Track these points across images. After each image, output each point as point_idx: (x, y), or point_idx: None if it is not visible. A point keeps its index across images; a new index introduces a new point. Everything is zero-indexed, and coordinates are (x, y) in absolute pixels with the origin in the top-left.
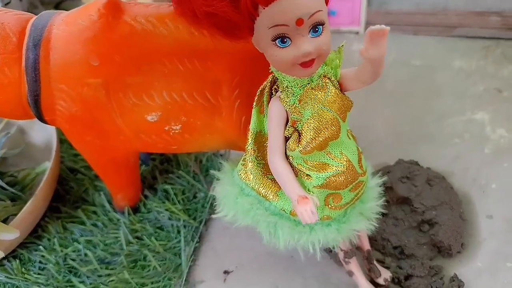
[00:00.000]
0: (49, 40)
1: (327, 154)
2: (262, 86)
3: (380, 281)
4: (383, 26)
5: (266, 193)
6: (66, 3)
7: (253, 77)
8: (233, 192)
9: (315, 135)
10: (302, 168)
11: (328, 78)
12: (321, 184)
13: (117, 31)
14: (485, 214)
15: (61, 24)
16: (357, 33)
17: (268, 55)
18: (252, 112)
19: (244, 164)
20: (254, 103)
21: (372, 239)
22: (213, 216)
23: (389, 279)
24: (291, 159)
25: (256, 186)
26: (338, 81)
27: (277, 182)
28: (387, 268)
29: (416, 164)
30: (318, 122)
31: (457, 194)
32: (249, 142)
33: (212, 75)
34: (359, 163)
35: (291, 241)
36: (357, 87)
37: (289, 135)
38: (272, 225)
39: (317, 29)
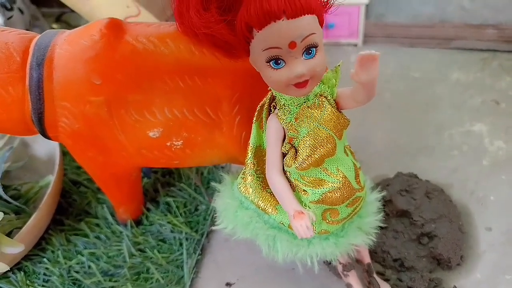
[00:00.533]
0: (52, 59)
1: (323, 170)
2: (261, 102)
3: None
4: (373, 51)
5: (265, 207)
6: (67, 15)
7: (253, 93)
8: (233, 205)
9: (310, 153)
10: (299, 183)
11: (324, 96)
12: (317, 200)
13: (119, 50)
14: (484, 227)
15: (63, 44)
16: (355, 45)
17: (263, 76)
18: (252, 127)
19: (243, 177)
20: (254, 118)
21: (372, 252)
22: (213, 228)
23: None
24: (288, 174)
25: (256, 200)
26: (334, 100)
27: (275, 197)
28: (387, 280)
29: (415, 177)
30: (314, 140)
31: (456, 206)
32: (249, 156)
33: (213, 91)
34: (356, 179)
35: (290, 254)
36: (353, 106)
37: (286, 151)
38: (271, 238)
39: (310, 51)
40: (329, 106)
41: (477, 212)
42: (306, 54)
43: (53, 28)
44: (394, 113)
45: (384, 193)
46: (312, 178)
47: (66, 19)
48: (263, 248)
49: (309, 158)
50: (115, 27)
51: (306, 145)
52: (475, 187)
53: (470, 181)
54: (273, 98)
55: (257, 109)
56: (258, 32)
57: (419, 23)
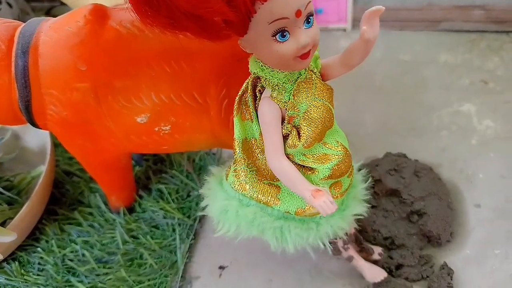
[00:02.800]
0: (37, 46)
1: (324, 145)
2: (239, 94)
3: (376, 256)
4: (379, 6)
5: (266, 200)
6: (57, 9)
7: (241, 77)
8: (232, 205)
9: (314, 127)
10: (306, 163)
11: (311, 70)
12: (328, 175)
13: (103, 36)
14: (473, 204)
15: (48, 31)
16: (344, 30)
17: (266, 52)
18: (234, 122)
19: (236, 175)
20: (234, 112)
21: (363, 231)
22: (215, 235)
23: (382, 253)
24: (291, 157)
25: (255, 195)
26: (319, 72)
27: (273, 186)
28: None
29: (404, 157)
30: (315, 113)
31: (445, 184)
32: (237, 152)
33: (199, 76)
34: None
35: (300, 241)
36: (340, 74)
37: (288, 133)
38: (278, 230)
39: (309, 20)
40: (317, 79)
41: (466, 190)
42: (306, 23)
43: None
44: (384, 95)
45: (361, 162)
46: (317, 155)
47: (56, 12)
48: (271, 242)
49: (313, 133)
50: (99, 13)
51: (308, 121)
52: (464, 165)
53: (459, 160)
54: (255, 85)
55: (236, 102)
56: (263, 4)
57: (407, 6)
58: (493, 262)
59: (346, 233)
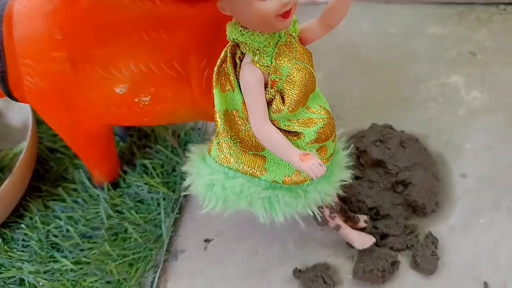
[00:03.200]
0: (11, 15)
1: (308, 110)
2: (217, 64)
3: (362, 224)
4: None
5: (253, 170)
6: None
7: (221, 46)
8: (218, 179)
9: (298, 90)
10: (291, 127)
11: (290, 34)
12: (314, 139)
13: (79, 3)
14: (459, 174)
15: None
16: None
17: (247, 12)
18: (214, 93)
19: (219, 148)
20: (214, 83)
21: (347, 201)
22: (201, 213)
23: (368, 220)
24: (276, 123)
25: (241, 166)
26: (297, 36)
27: (259, 156)
28: (363, 229)
29: (389, 128)
30: (298, 76)
31: (431, 155)
32: (220, 124)
33: (179, 45)
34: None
35: (289, 210)
36: (319, 36)
37: (272, 98)
38: (266, 201)
39: None
40: (296, 42)
41: (452, 160)
42: None
43: None
44: (371, 68)
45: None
46: (302, 119)
47: None
48: (260, 213)
49: (297, 96)
50: None
51: (292, 84)
52: (451, 136)
53: (446, 131)
54: (234, 53)
55: (214, 73)
56: None
57: None
58: (478, 231)
59: (328, 206)
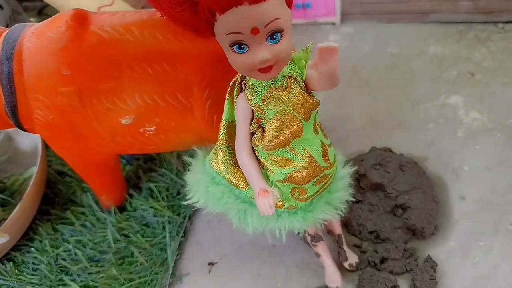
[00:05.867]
0: (21, 52)
1: (290, 150)
2: (234, 79)
3: (345, 265)
4: (331, 43)
5: (236, 182)
6: (49, 8)
7: (223, 76)
8: (205, 180)
9: (277, 134)
10: (266, 162)
11: (293, 78)
12: (283, 179)
13: (85, 41)
14: (458, 196)
15: (31, 37)
16: (333, 24)
17: (228, 59)
18: (225, 103)
19: (215, 153)
20: (227, 94)
21: (348, 225)
22: (183, 202)
23: (354, 265)
24: (257, 153)
25: (227, 175)
26: (304, 81)
27: None
28: (364, 252)
29: (389, 151)
30: (280, 122)
31: (429, 178)
32: (221, 132)
33: (182, 76)
34: (323, 157)
35: (259, 227)
36: (320, 90)
37: (254, 131)
38: (241, 212)
39: (275, 37)
40: (297, 87)
41: (451, 183)
42: (271, 39)
43: (32, 21)
44: (372, 89)
45: (356, 167)
46: (279, 158)
47: (49, 12)
48: (234, 221)
49: (275, 140)
50: (81, 18)
51: (273, 127)
52: (450, 158)
53: (445, 153)
54: (243, 76)
55: (230, 85)
56: (220, 16)
57: None
58: (477, 253)
59: (309, 233)
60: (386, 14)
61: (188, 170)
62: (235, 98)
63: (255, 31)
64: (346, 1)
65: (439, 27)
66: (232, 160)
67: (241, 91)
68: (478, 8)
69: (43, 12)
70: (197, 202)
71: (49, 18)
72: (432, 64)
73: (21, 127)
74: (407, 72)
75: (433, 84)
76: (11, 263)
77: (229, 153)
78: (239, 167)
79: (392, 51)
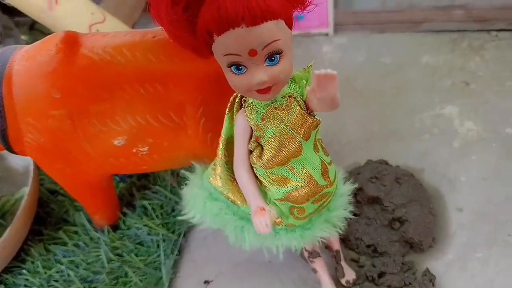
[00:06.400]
0: (11, 76)
1: (289, 169)
2: (234, 94)
3: (342, 282)
4: (329, 70)
5: (234, 198)
6: (40, 24)
7: (217, 95)
8: (202, 195)
9: (275, 153)
10: (264, 180)
11: (294, 97)
12: (281, 198)
13: (76, 63)
14: (455, 207)
15: (21, 60)
16: (326, 34)
17: (226, 78)
18: (225, 118)
19: (214, 168)
20: (227, 110)
21: (346, 239)
22: (179, 218)
23: (351, 281)
24: (255, 170)
25: (225, 192)
26: (304, 101)
27: None
28: (361, 267)
29: (385, 163)
30: (279, 142)
31: (426, 190)
32: (220, 147)
33: (175, 96)
34: (323, 176)
35: (256, 243)
36: (320, 111)
37: (253, 149)
38: (238, 229)
39: (273, 58)
40: (297, 107)
41: (447, 194)
42: (269, 60)
43: (23, 39)
44: (366, 100)
45: (356, 185)
46: (277, 176)
47: (40, 27)
48: (231, 237)
49: (274, 159)
50: (71, 40)
51: (271, 146)
52: (446, 169)
53: (441, 164)
54: (242, 95)
55: (230, 101)
56: (218, 37)
57: (388, 8)
58: (475, 266)
59: (307, 249)
60: (378, 24)
61: (185, 184)
62: (234, 114)
63: (252, 53)
64: (339, 12)
65: (432, 36)
66: (230, 176)
67: (241, 107)
68: (472, 16)
69: (35, 27)
70: (193, 217)
71: (39, 41)
72: (426, 74)
73: (11, 151)
74: (401, 82)
75: (427, 94)
76: (2, 286)
77: (227, 168)
78: (237, 183)
79: (385, 60)
